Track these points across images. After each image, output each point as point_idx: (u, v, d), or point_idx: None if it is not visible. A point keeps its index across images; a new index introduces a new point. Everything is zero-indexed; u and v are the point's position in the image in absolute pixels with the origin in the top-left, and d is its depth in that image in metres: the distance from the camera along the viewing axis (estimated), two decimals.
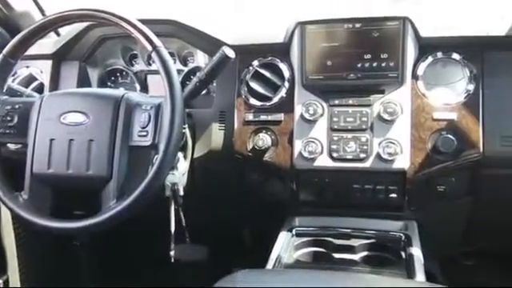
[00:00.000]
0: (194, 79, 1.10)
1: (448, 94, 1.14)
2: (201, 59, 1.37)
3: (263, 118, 1.22)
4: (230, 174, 1.29)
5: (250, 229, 1.59)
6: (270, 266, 1.06)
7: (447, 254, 1.46)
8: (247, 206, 1.40)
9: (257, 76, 1.25)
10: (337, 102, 1.17)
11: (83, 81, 1.39)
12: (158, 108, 1.04)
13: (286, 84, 1.22)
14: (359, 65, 1.16)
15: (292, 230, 1.20)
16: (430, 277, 1.03)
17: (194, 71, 1.34)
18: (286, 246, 1.14)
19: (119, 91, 1.12)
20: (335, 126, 1.17)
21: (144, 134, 1.03)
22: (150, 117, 1.04)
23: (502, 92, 1.13)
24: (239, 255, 1.58)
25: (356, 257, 1.12)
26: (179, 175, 1.13)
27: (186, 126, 1.14)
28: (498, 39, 1.12)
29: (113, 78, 1.46)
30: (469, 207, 1.22)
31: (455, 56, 1.14)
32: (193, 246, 1.36)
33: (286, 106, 1.21)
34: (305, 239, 1.18)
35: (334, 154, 1.16)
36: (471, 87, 1.13)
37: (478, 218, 1.26)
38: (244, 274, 0.86)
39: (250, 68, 1.25)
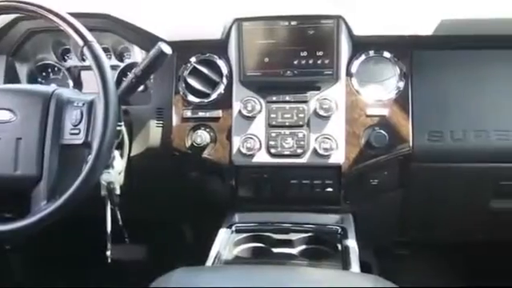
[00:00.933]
0: (130, 75, 1.07)
1: (380, 90, 1.19)
2: (138, 55, 1.34)
3: (201, 114, 1.21)
4: (169, 171, 1.28)
5: (191, 226, 1.59)
6: (209, 263, 1.06)
7: (382, 244, 1.52)
8: (187, 203, 1.39)
9: (195, 72, 1.24)
10: (274, 98, 1.19)
11: (11, 77, 1.32)
12: (90, 105, 1.01)
13: (224, 80, 1.22)
14: (296, 62, 1.17)
15: (232, 226, 1.20)
16: (365, 267, 1.06)
17: (130, 67, 1.31)
18: (225, 243, 1.14)
19: (49, 87, 1.08)
20: (273, 123, 1.18)
21: (76, 131, 1.00)
22: (82, 114, 1.01)
23: (429, 89, 1.18)
24: (182, 253, 1.57)
25: (294, 251, 1.14)
26: (115, 174, 1.10)
27: (122, 123, 1.11)
28: (426, 39, 1.17)
29: (44, 74, 1.40)
30: (401, 199, 1.28)
31: (386, 54, 1.19)
32: (131, 245, 1.34)
33: (225, 102, 1.21)
34: (244, 235, 1.18)
35: (272, 150, 1.17)
36: (401, 84, 1.18)
37: (410, 209, 1.32)
38: (180, 272, 0.85)
39: (188, 64, 1.24)
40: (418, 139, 1.16)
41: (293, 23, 1.16)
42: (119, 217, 1.15)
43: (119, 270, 1.51)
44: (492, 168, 1.19)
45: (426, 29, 1.17)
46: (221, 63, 1.23)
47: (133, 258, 1.71)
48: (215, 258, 1.07)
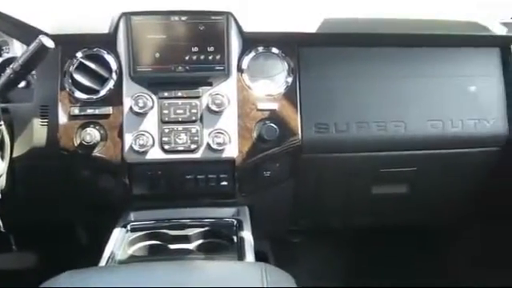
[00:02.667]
0: (8, 71, 1.00)
1: (270, 85, 1.23)
2: (18, 49, 1.25)
3: (90, 111, 1.17)
4: (58, 171, 1.22)
5: (85, 228, 1.52)
6: (102, 263, 1.03)
7: (278, 233, 1.58)
8: (80, 204, 1.33)
9: (82, 68, 1.18)
10: (166, 94, 1.18)
11: None
12: None
13: (114, 76, 1.19)
14: (187, 57, 1.18)
15: (127, 225, 1.18)
16: (261, 256, 1.10)
17: (9, 62, 1.22)
18: (120, 243, 1.12)
19: None
20: (166, 119, 1.17)
21: None
22: None
23: (315, 84, 1.25)
24: (77, 257, 1.50)
25: (191, 246, 1.15)
26: None
27: (2, 122, 1.03)
28: (310, 36, 1.23)
29: None
30: (292, 189, 1.34)
31: (274, 50, 1.23)
32: (20, 253, 1.25)
33: (115, 98, 1.18)
34: (140, 233, 1.16)
35: (166, 146, 1.17)
36: (290, 80, 1.23)
37: (301, 198, 1.39)
38: (67, 275, 0.82)
39: (74, 59, 1.18)
40: (306, 131, 1.22)
41: (183, 18, 1.16)
42: (1, 224, 1.07)
43: (7, 280, 1.41)
44: (373, 157, 1.29)
45: (311, 26, 1.23)
46: (109, 58, 1.19)
47: (22, 266, 1.61)
48: (109, 258, 1.04)
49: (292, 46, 1.24)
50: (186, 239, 1.16)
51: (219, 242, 1.16)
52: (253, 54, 1.22)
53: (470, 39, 1.31)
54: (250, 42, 1.22)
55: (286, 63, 1.23)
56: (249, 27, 1.20)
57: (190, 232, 1.17)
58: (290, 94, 1.22)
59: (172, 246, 1.14)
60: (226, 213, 1.24)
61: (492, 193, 1.40)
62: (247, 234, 1.15)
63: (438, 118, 1.26)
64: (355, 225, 1.58)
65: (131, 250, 1.12)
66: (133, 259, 1.09)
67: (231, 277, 0.81)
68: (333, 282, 1.55)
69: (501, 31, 1.28)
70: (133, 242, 1.14)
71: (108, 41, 1.18)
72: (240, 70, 1.21)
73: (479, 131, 1.26)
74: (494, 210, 1.48)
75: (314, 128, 1.23)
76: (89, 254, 1.09)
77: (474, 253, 1.61)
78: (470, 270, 1.56)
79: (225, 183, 1.22)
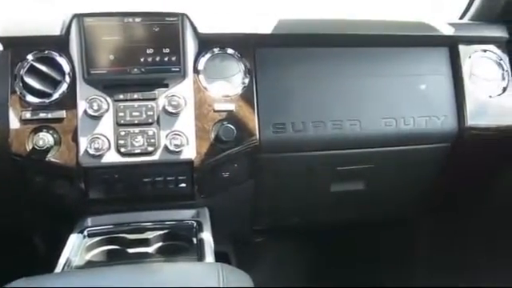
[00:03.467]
0: None
1: (227, 86, 1.23)
2: None
3: (43, 115, 1.14)
4: (10, 177, 1.18)
5: (41, 235, 1.48)
6: (58, 271, 1.00)
7: (240, 234, 1.59)
8: (35, 210, 1.30)
9: (33, 71, 1.15)
10: (122, 96, 1.16)
11: None
12: None
13: (67, 79, 1.16)
14: (142, 59, 1.16)
15: (84, 230, 1.16)
16: (222, 257, 1.10)
17: None
18: (76, 249, 1.09)
19: None
20: (121, 121, 1.16)
21: None
22: None
23: (272, 85, 1.26)
24: (33, 265, 1.46)
25: (150, 249, 1.14)
26: None
27: None
28: (266, 37, 1.24)
29: None
30: (252, 189, 1.35)
31: (230, 51, 1.24)
32: None
33: (68, 102, 1.15)
34: (98, 239, 1.15)
35: (122, 149, 1.15)
36: (246, 80, 1.24)
37: (262, 198, 1.40)
38: (22, 281, 0.80)
39: (25, 62, 1.15)
40: (264, 132, 1.23)
41: (137, 20, 1.15)
42: None
43: None
44: (330, 155, 1.31)
45: (267, 28, 1.24)
46: (62, 61, 1.16)
47: None
48: (65, 265, 1.02)
49: (248, 47, 1.25)
50: (145, 243, 1.14)
51: (179, 245, 1.15)
52: (209, 55, 1.22)
53: (420, 39, 1.35)
54: (206, 43, 1.22)
55: (242, 64, 1.24)
56: (204, 28, 1.20)
57: (150, 235, 1.16)
58: (246, 95, 1.23)
59: (131, 250, 1.13)
60: (185, 215, 1.24)
61: (444, 188, 1.45)
62: (207, 236, 1.15)
63: (391, 116, 1.30)
64: (315, 222, 1.60)
65: (88, 256, 1.10)
66: (90, 265, 1.07)
67: (187, 278, 0.81)
68: (294, 281, 1.57)
69: (448, 31, 1.33)
70: (90, 248, 1.12)
71: (60, 43, 1.16)
72: (196, 71, 1.21)
73: (430, 128, 1.30)
74: (446, 205, 1.53)
75: (272, 128, 1.24)
76: (45, 262, 1.07)
77: (428, 245, 1.66)
78: (426, 263, 1.61)
79: (183, 185, 1.21)
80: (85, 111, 1.14)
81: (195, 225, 1.20)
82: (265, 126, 1.23)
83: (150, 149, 1.16)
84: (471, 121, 1.31)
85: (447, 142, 1.33)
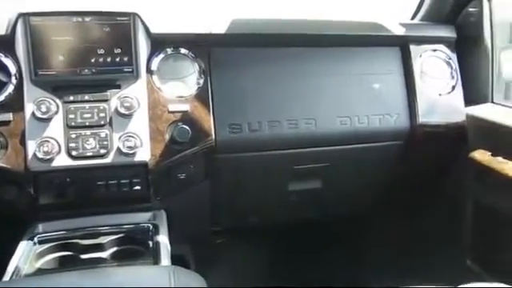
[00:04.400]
0: None
1: (181, 87, 1.22)
2: None
3: None
4: None
5: None
6: (6, 279, 0.96)
7: (198, 235, 1.57)
8: None
9: None
10: (72, 98, 1.13)
11: None
12: None
13: (13, 80, 1.12)
14: (93, 60, 1.14)
15: (34, 237, 1.12)
16: (180, 260, 1.09)
17: None
18: (26, 256, 1.05)
19: None
20: (72, 123, 1.13)
21: None
22: None
23: (228, 85, 1.26)
24: None
25: (105, 254, 1.11)
26: None
27: None
28: (221, 36, 1.24)
29: None
30: (210, 190, 1.34)
31: (184, 51, 1.22)
32: None
33: (15, 104, 1.11)
34: (49, 245, 1.11)
35: (73, 153, 1.12)
36: (201, 81, 1.23)
37: (220, 199, 1.39)
38: None
39: None
40: (220, 132, 1.23)
41: (87, 19, 1.12)
42: None
43: None
44: (287, 154, 1.32)
45: (221, 27, 1.24)
46: (7, 61, 1.12)
47: None
48: (13, 273, 0.98)
49: (202, 47, 1.24)
50: (99, 248, 1.11)
51: (135, 249, 1.13)
52: (162, 55, 1.21)
53: (372, 39, 1.38)
54: (159, 43, 1.21)
55: (196, 64, 1.23)
56: (157, 28, 1.18)
57: (104, 240, 1.13)
58: (201, 96, 1.22)
59: (84, 256, 1.09)
60: (141, 218, 1.21)
61: (398, 185, 1.48)
62: (163, 238, 1.13)
63: (346, 115, 1.32)
64: (274, 222, 1.61)
65: (39, 264, 1.07)
66: (40, 272, 1.03)
67: (138, 281, 0.79)
68: (254, 281, 1.56)
69: (399, 31, 1.37)
70: (41, 255, 1.08)
71: (5, 43, 1.12)
72: (149, 71, 1.20)
73: (384, 126, 1.33)
74: (401, 201, 1.57)
75: (228, 128, 1.24)
76: None
77: (385, 241, 1.69)
78: (383, 258, 1.65)
79: (138, 188, 1.19)
80: (33, 113, 1.10)
81: (151, 228, 1.18)
82: (220, 126, 1.23)
83: (103, 151, 1.13)
84: (423, 118, 1.35)
85: (400, 140, 1.37)
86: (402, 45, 1.38)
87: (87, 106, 1.14)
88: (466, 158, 1.33)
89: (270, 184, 1.40)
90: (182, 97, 1.21)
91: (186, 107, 1.20)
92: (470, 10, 1.43)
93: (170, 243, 1.13)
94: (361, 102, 1.33)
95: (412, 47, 1.38)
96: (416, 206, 1.58)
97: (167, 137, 1.18)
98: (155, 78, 1.20)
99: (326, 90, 1.32)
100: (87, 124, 1.13)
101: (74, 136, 1.12)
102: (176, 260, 1.07)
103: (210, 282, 0.88)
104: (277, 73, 1.30)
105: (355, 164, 1.40)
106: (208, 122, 1.21)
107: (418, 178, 1.50)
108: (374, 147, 1.36)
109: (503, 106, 1.41)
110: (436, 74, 1.39)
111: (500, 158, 1.25)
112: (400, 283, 1.00)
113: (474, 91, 1.42)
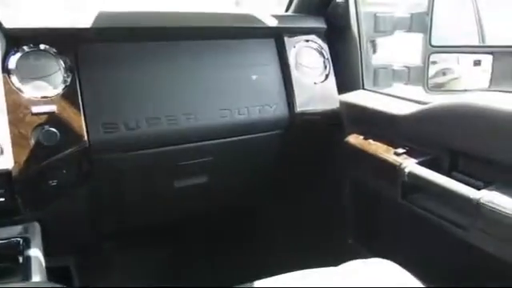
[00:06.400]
0: None
1: (45, 87, 1.12)
2: None
3: None
4: None
5: None
6: None
7: (83, 243, 1.48)
8: None
9: None
10: None
11: None
12: None
13: None
14: None
15: None
16: (63, 272, 1.00)
17: None
18: None
19: None
20: None
21: None
22: None
23: (99, 82, 1.18)
24: None
25: None
26: None
27: None
28: (87, 31, 1.16)
29: None
30: (89, 195, 1.26)
31: (46, 48, 1.13)
32: None
33: None
34: None
35: None
36: (68, 79, 1.14)
37: (101, 202, 1.32)
38: None
39: None
40: (93, 133, 1.15)
41: None
42: None
43: None
44: (169, 151, 1.28)
45: (87, 21, 1.16)
46: None
47: None
48: None
49: (67, 42, 1.15)
50: None
51: (2, 266, 1.02)
52: (20, 53, 1.10)
53: (248, 31, 1.39)
54: (16, 39, 1.10)
55: (61, 61, 1.14)
56: (11, 23, 1.08)
57: None
58: (69, 95, 1.13)
59: None
60: (9, 232, 1.10)
61: (282, 172, 1.52)
62: (36, 252, 1.04)
63: (226, 108, 1.31)
64: (164, 221, 1.57)
65: None
66: None
67: None
68: (146, 283, 1.51)
69: (273, 23, 1.39)
70: None
71: None
72: (6, 71, 1.08)
73: (264, 117, 1.35)
74: (286, 188, 1.61)
75: (102, 128, 1.17)
76: None
77: (275, 228, 1.73)
78: (273, 244, 1.68)
79: (2, 199, 1.08)
80: None
81: (22, 242, 1.07)
82: (93, 126, 1.16)
83: None
84: (300, 107, 1.39)
85: (281, 129, 1.40)
86: (277, 36, 1.41)
87: None
88: (342, 143, 1.40)
89: (155, 182, 1.36)
90: (46, 97, 1.12)
91: (52, 108, 1.11)
92: (338, 1, 1.50)
93: (50, 255, 1.05)
94: (240, 94, 1.34)
95: (286, 38, 1.41)
96: (301, 191, 1.63)
97: (32, 141, 1.08)
98: (14, 78, 1.09)
99: (205, 84, 1.30)
100: None
101: None
102: (58, 273, 0.99)
103: None
104: (152, 67, 1.26)
105: (239, 156, 1.41)
106: (79, 122, 1.13)
107: (301, 165, 1.55)
108: (256, 138, 1.37)
109: (373, 91, 1.51)
110: (310, 63, 1.44)
111: (371, 141, 1.33)
112: (290, 269, 1.02)
113: (347, 79, 1.50)
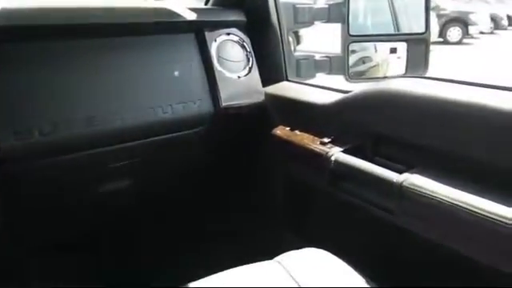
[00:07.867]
0: None
1: None
2: None
3: None
4: None
5: None
6: None
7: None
8: None
9: None
10: None
11: None
12: None
13: None
14: None
15: None
16: None
17: None
18: None
19: None
20: None
21: None
22: None
23: (8, 86, 1.09)
24: None
25: None
26: None
27: None
28: None
29: None
30: (1, 207, 1.16)
31: None
32: None
33: None
34: None
35: None
36: None
37: (15, 216, 1.23)
38: None
39: None
40: (4, 141, 1.06)
41: None
42: None
43: None
44: (94, 154, 1.21)
45: None
46: None
47: None
48: None
49: None
50: None
51: None
52: None
53: (165, 26, 1.33)
54: None
55: None
56: None
57: None
58: None
59: None
60: None
61: (213, 168, 1.50)
62: None
63: (150, 106, 1.26)
64: (92, 229, 1.49)
65: None
66: None
67: None
68: None
69: (192, 17, 1.36)
70: None
71: None
72: None
73: (188, 113, 1.31)
74: (219, 183, 1.59)
75: (13, 136, 1.08)
76: None
77: (210, 224, 1.69)
78: (208, 241, 1.65)
79: None
80: None
81: None
82: (4, 134, 1.06)
83: None
84: (225, 102, 1.37)
85: (206, 125, 1.37)
86: (197, 31, 1.37)
87: None
88: (270, 135, 1.40)
89: (81, 189, 1.28)
90: None
91: None
92: None
93: None
94: (163, 92, 1.29)
95: (206, 33, 1.38)
96: (231, 186, 1.62)
97: None
98: None
99: (126, 83, 1.24)
100: None
101: None
102: None
103: None
104: (69, 68, 1.17)
105: (165, 156, 1.37)
106: None
107: (231, 160, 1.53)
108: (181, 136, 1.34)
109: (296, 82, 1.52)
110: (232, 57, 1.42)
111: (298, 132, 1.34)
112: (227, 263, 1.00)
113: (270, 71, 1.50)
